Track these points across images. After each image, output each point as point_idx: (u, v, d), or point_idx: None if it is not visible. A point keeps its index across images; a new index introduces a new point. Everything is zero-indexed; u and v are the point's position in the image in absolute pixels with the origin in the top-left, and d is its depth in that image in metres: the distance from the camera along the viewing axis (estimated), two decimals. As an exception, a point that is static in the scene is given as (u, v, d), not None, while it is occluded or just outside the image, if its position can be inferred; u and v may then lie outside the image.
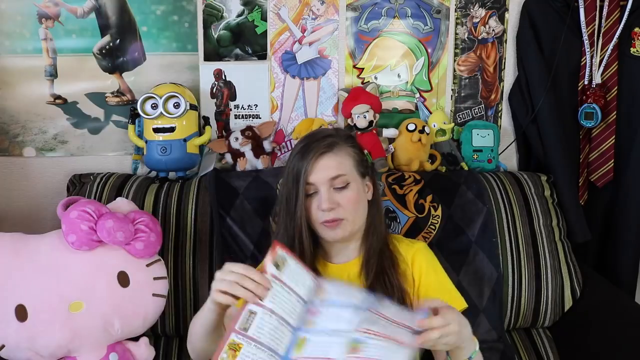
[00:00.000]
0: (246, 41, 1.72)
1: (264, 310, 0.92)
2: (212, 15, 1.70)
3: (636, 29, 1.68)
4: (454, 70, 1.79)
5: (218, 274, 0.96)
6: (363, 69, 1.76)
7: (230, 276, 0.94)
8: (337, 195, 1.14)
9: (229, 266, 0.96)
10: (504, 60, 1.79)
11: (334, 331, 0.92)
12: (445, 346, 0.94)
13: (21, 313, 1.18)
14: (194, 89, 1.70)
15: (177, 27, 1.69)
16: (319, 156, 1.14)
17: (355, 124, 1.67)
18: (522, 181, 1.64)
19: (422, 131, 1.68)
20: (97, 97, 1.71)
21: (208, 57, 1.72)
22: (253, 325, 0.91)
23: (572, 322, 1.54)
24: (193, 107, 1.64)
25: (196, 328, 1.08)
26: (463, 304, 1.18)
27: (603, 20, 1.67)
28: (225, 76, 1.73)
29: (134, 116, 1.67)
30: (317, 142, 1.16)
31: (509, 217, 1.57)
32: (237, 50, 1.72)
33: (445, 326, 0.89)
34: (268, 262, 0.95)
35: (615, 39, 1.67)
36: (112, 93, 1.71)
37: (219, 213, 1.51)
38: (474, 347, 1.00)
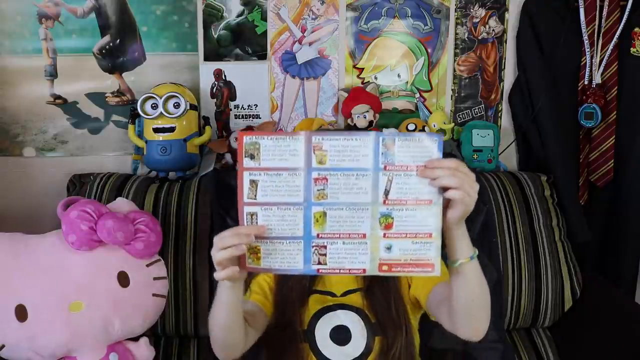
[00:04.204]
0: (246, 41, 1.72)
1: (260, 208, 0.88)
2: (212, 15, 1.70)
3: (636, 29, 1.68)
4: (454, 70, 1.79)
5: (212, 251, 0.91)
6: (363, 69, 1.76)
7: (218, 250, 0.89)
8: None
9: (216, 240, 0.91)
10: (504, 60, 1.79)
11: (354, 204, 0.88)
12: (464, 203, 0.85)
13: (21, 313, 1.18)
14: (194, 89, 1.70)
15: (177, 27, 1.69)
16: None
17: (355, 124, 1.67)
18: (522, 181, 1.64)
19: (422, 131, 1.68)
20: (97, 97, 1.71)
21: (208, 57, 1.72)
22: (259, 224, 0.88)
23: (572, 322, 1.54)
24: (193, 107, 1.63)
25: (217, 320, 1.03)
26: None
27: (603, 20, 1.67)
28: (225, 76, 1.73)
29: (134, 116, 1.67)
30: None
31: (509, 217, 1.57)
32: (237, 50, 1.72)
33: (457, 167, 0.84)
34: (240, 157, 0.87)
35: (615, 39, 1.67)
36: (112, 93, 1.71)
37: (219, 213, 1.51)
38: (474, 250, 0.94)
